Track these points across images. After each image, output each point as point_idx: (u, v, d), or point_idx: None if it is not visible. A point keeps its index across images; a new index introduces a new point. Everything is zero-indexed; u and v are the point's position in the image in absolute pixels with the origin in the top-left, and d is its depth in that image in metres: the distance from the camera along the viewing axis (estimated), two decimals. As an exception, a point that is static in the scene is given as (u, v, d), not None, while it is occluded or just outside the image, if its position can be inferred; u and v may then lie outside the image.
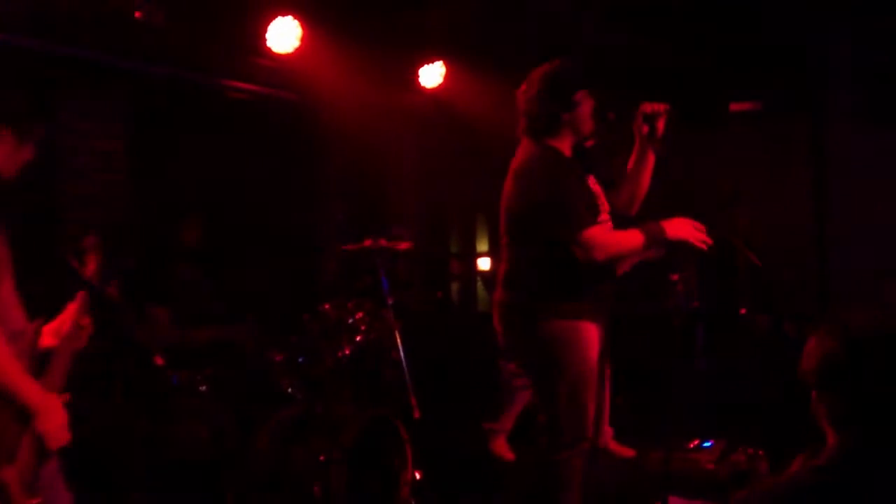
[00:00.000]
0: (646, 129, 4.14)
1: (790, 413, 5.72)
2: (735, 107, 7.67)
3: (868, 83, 7.29)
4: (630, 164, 4.30)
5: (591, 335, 4.03)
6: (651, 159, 4.25)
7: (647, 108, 4.11)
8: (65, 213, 5.62)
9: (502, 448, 6.15)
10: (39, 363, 2.70)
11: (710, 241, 3.95)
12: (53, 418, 2.58)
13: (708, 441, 5.77)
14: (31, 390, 2.53)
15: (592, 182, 4.18)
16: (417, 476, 4.77)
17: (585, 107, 4.08)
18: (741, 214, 7.53)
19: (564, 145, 4.09)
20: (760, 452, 5.50)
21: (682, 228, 3.92)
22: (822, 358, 2.20)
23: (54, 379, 2.69)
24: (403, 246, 5.82)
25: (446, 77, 7.40)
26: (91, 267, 3.67)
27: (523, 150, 4.12)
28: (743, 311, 6.62)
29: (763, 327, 6.87)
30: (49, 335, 2.85)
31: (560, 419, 4.00)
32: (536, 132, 4.08)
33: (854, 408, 2.17)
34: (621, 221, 4.22)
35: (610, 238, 3.94)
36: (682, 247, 3.96)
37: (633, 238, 3.90)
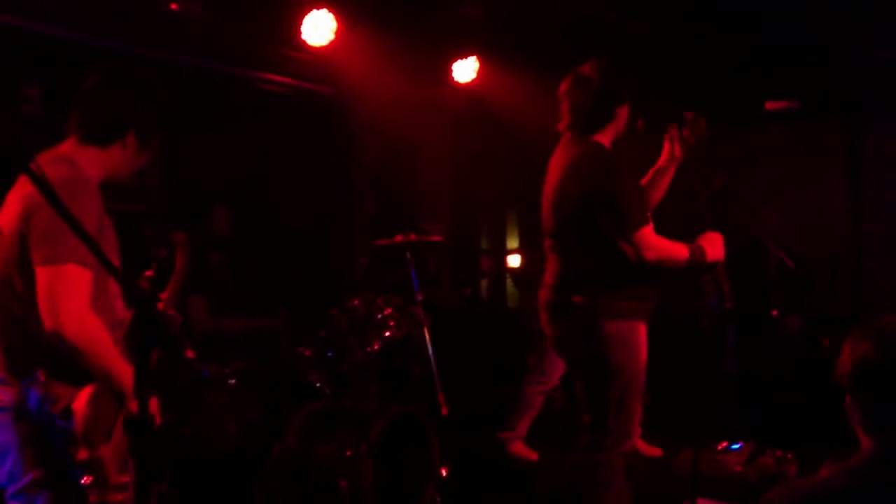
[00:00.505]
0: (682, 132, 4.18)
1: (820, 415, 5.69)
2: (771, 106, 7.61)
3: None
4: (652, 171, 4.32)
5: (643, 335, 4.05)
6: (673, 168, 4.27)
7: (689, 115, 4.15)
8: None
9: (522, 450, 6.14)
10: None
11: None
12: (107, 415, 2.68)
13: (737, 443, 5.75)
14: (128, 375, 2.63)
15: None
16: (443, 473, 4.77)
17: (625, 112, 4.10)
18: (774, 215, 7.47)
19: (606, 142, 4.08)
20: (789, 455, 5.47)
21: (719, 249, 3.97)
22: (857, 361, 2.18)
23: None
24: (435, 238, 5.83)
25: (479, 72, 7.38)
26: (180, 262, 3.73)
27: (571, 147, 4.09)
28: (774, 312, 6.57)
29: (794, 329, 6.82)
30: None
31: (607, 419, 4.00)
32: (585, 127, 4.06)
33: (888, 411, 2.15)
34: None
35: (662, 241, 3.92)
36: None
37: (680, 251, 3.91)
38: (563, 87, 4.14)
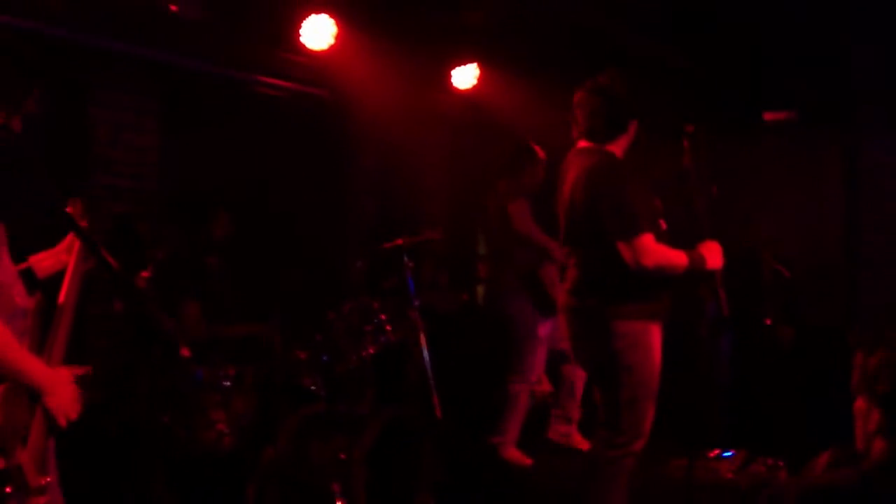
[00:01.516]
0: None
1: (811, 424, 5.71)
2: (769, 116, 7.63)
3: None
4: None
5: (656, 336, 4.11)
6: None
7: (691, 129, 4.21)
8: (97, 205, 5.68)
9: (516, 455, 6.15)
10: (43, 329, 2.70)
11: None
12: (62, 394, 2.57)
13: (729, 450, 5.76)
14: (35, 369, 2.52)
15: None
16: (437, 478, 4.78)
17: (634, 125, 4.19)
18: (769, 224, 7.49)
19: (618, 152, 4.18)
20: (780, 463, 5.49)
21: (718, 258, 4.02)
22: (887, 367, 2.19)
23: (58, 348, 2.69)
24: (434, 236, 5.86)
25: (480, 79, 7.39)
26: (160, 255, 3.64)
27: (584, 157, 4.17)
28: (768, 321, 6.58)
29: (787, 338, 6.83)
30: (60, 254, 2.95)
31: (620, 419, 4.06)
32: (599, 136, 4.15)
33: None
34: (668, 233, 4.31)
35: (662, 248, 3.98)
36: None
37: (679, 258, 3.97)
38: (579, 95, 4.22)
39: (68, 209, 2.94)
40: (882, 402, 2.21)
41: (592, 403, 6.22)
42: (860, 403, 2.25)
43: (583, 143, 4.21)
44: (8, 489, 2.37)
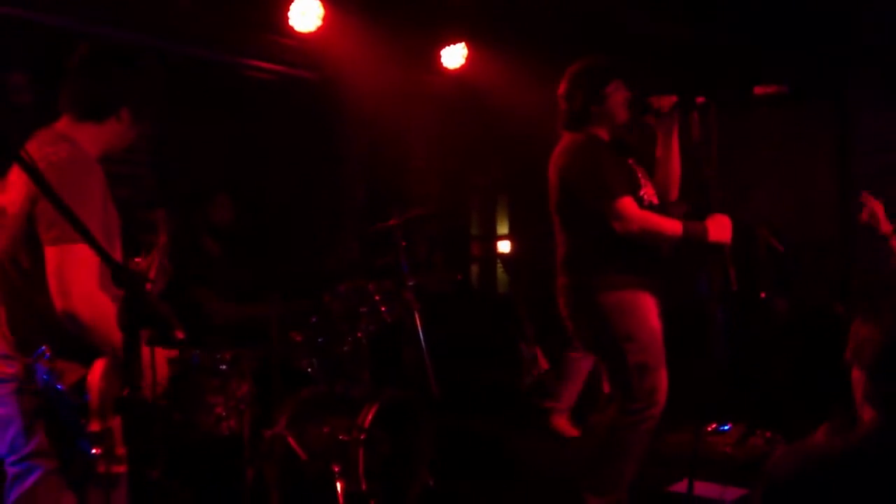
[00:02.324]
0: (653, 119, 4.29)
1: (808, 397, 5.73)
2: (760, 90, 7.60)
3: (893, 66, 7.22)
4: (658, 152, 4.40)
5: (649, 303, 4.15)
6: (674, 145, 4.35)
7: (655, 102, 4.24)
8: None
9: (564, 425, 6.19)
10: None
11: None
12: (160, 372, 2.83)
13: (726, 424, 5.79)
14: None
15: (632, 163, 4.31)
16: (435, 458, 4.79)
17: (617, 97, 4.22)
18: (763, 198, 7.49)
19: (601, 134, 4.24)
20: (779, 436, 5.51)
21: (725, 232, 4.00)
22: (885, 336, 2.20)
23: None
24: (425, 212, 5.88)
25: (468, 58, 7.38)
26: (162, 240, 3.75)
27: (561, 142, 4.28)
28: (763, 295, 6.61)
29: (783, 311, 6.85)
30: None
31: (632, 386, 4.09)
32: (572, 124, 4.25)
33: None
34: (663, 207, 4.34)
35: (646, 213, 4.03)
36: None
37: (671, 225, 3.99)
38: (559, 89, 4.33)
39: (152, 217, 3.26)
40: (868, 371, 2.24)
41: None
42: (855, 372, 2.28)
43: (564, 133, 4.30)
44: (98, 450, 2.57)
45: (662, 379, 4.15)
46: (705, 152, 4.16)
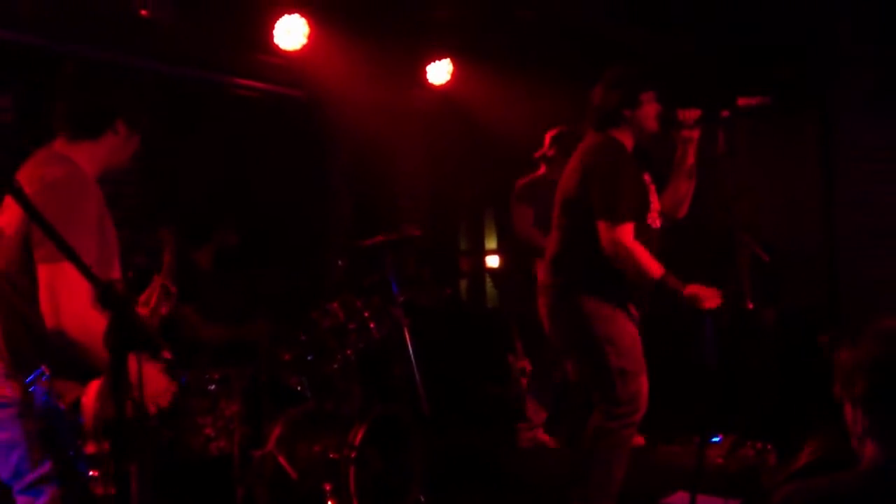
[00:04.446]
0: (682, 133, 4.32)
1: (797, 407, 5.73)
2: (743, 101, 7.62)
3: (875, 75, 7.26)
4: (676, 164, 4.45)
5: (630, 312, 4.22)
6: (689, 162, 4.37)
7: (680, 114, 4.28)
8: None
9: (543, 437, 6.19)
10: None
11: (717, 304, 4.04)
12: (158, 383, 2.83)
13: (717, 435, 5.79)
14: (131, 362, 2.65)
15: (648, 179, 4.35)
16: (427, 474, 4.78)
17: (649, 108, 4.25)
18: (748, 208, 7.50)
19: (625, 141, 4.27)
20: (769, 446, 5.51)
21: (697, 300, 4.00)
22: (872, 365, 2.15)
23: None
24: (414, 232, 5.87)
25: (454, 74, 7.39)
26: (166, 260, 3.74)
27: (588, 140, 4.32)
28: (750, 305, 6.61)
29: (770, 322, 6.86)
30: (140, 306, 3.18)
31: (615, 390, 4.12)
32: (601, 123, 4.27)
33: None
34: (671, 224, 4.43)
35: (637, 247, 4.04)
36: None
37: (652, 267, 4.02)
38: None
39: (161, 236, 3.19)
40: (862, 403, 2.17)
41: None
42: (847, 408, 2.21)
43: (589, 132, 4.33)
44: (95, 472, 2.55)
45: (643, 384, 4.18)
46: (730, 167, 4.22)
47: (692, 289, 3.98)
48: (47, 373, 2.61)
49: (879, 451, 2.11)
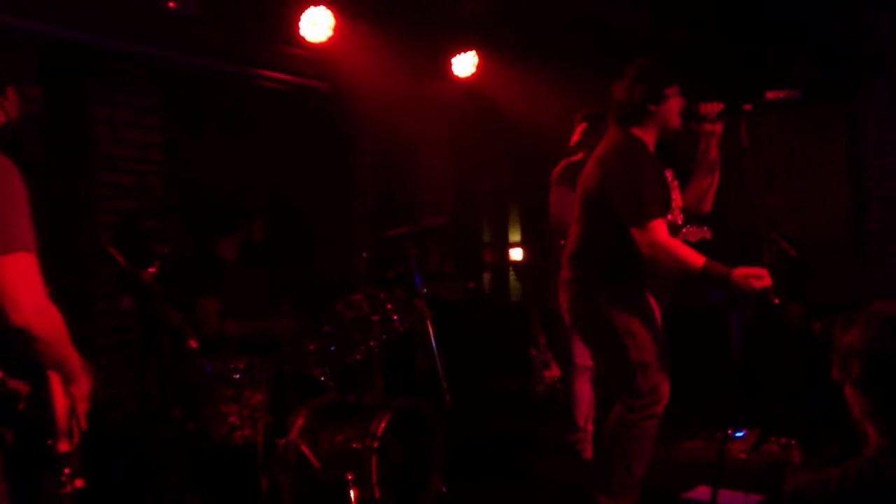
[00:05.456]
0: (704, 127, 4.28)
1: (823, 402, 5.69)
2: (771, 95, 7.58)
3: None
4: (699, 159, 4.41)
5: (649, 304, 4.22)
6: (712, 156, 4.36)
7: (702, 108, 4.23)
8: (100, 203, 5.68)
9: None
10: None
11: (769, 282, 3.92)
12: (87, 383, 2.66)
13: (741, 430, 5.76)
14: (77, 360, 2.58)
15: (670, 176, 4.33)
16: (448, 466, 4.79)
17: (674, 103, 4.20)
18: (775, 203, 7.46)
19: (648, 137, 4.21)
20: (793, 442, 5.48)
21: (748, 282, 3.87)
22: (866, 347, 2.16)
23: None
24: (438, 222, 5.86)
25: (479, 67, 7.39)
26: (165, 250, 3.71)
27: (609, 137, 4.27)
28: (776, 300, 6.57)
29: (797, 317, 6.82)
30: None
31: (636, 382, 4.12)
32: (624, 120, 4.21)
33: None
34: (695, 218, 4.45)
35: (674, 242, 4.00)
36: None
37: (693, 258, 3.92)
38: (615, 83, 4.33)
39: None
40: (859, 386, 2.18)
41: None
42: (847, 390, 2.22)
43: (611, 127, 4.28)
44: (68, 470, 2.49)
45: (665, 380, 4.17)
46: (752, 161, 4.18)
47: (740, 270, 3.85)
48: (1, 374, 2.42)
49: (879, 432, 2.14)
